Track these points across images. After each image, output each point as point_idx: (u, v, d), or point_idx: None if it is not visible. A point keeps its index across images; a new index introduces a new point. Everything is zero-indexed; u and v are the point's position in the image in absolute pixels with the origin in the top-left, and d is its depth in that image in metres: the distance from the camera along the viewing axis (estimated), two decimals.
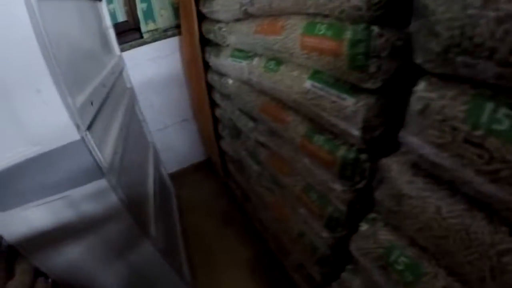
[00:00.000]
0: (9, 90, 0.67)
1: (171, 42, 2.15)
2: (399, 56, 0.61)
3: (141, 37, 2.11)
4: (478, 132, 0.39)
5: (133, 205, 0.98)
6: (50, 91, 0.69)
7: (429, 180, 0.50)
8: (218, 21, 1.42)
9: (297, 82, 0.85)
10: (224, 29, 1.36)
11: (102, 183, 0.84)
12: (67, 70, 0.78)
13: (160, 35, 2.12)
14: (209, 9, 1.45)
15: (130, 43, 2.04)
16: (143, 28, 2.09)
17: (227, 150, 1.91)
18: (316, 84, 0.79)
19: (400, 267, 0.56)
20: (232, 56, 1.31)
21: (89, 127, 0.82)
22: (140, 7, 2.05)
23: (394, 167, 0.55)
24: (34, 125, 0.71)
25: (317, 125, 0.86)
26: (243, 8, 1.08)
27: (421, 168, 0.52)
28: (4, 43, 0.64)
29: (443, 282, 0.50)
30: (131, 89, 1.73)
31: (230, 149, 1.82)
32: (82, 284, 1.03)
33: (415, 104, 0.47)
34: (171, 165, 2.43)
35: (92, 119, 0.87)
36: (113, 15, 2.02)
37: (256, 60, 1.11)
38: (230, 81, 1.45)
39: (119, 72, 1.51)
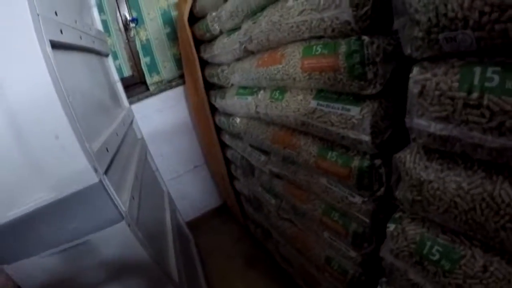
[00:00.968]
0: (28, 137, 0.69)
1: (176, 92, 2.24)
2: (392, 59, 0.65)
3: (147, 89, 2.20)
4: (474, 95, 0.42)
5: (153, 249, 0.97)
6: (68, 137, 0.71)
7: (444, 160, 0.51)
8: (220, 64, 1.49)
9: (303, 105, 0.89)
10: (226, 71, 1.43)
11: (122, 226, 0.83)
12: (83, 118, 0.81)
13: (165, 86, 2.21)
14: (210, 54, 1.53)
15: (137, 96, 2.13)
16: (149, 80, 2.18)
17: (242, 190, 1.92)
18: (321, 102, 0.82)
19: (435, 258, 0.56)
20: (238, 94, 1.36)
21: (106, 171, 0.83)
22: (143, 61, 2.17)
23: (408, 158, 0.56)
24: (52, 170, 0.72)
25: (328, 142, 0.88)
26: (243, 46, 1.15)
27: (434, 151, 0.53)
28: (23, 92, 0.68)
29: (481, 261, 0.49)
30: (142, 140, 1.77)
31: (245, 189, 1.83)
32: None
33: (413, 88, 0.50)
34: (187, 213, 2.42)
35: (108, 164, 0.89)
36: (119, 70, 2.11)
37: (261, 94, 1.16)
38: (238, 120, 1.49)
39: (129, 123, 1.56)
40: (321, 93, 0.83)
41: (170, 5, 2.18)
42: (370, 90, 0.67)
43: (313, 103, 0.84)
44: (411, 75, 0.51)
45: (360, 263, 0.92)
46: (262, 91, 1.15)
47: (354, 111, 0.71)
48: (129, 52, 2.21)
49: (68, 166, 0.73)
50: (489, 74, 0.40)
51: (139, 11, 2.14)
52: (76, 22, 1.05)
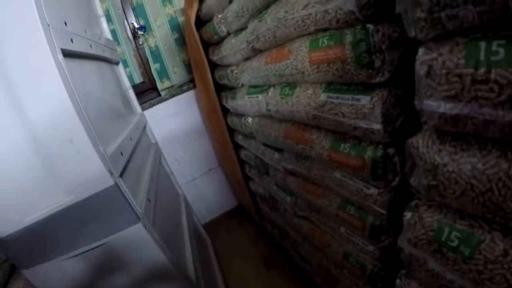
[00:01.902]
0: (43, 141, 0.71)
1: (187, 96, 2.26)
2: (398, 45, 0.65)
3: (159, 95, 2.23)
4: (482, 70, 0.41)
5: (171, 251, 0.98)
6: (82, 140, 0.72)
7: (457, 142, 0.50)
8: (229, 65, 1.50)
9: (313, 99, 0.89)
10: (236, 71, 1.44)
11: (138, 227, 0.84)
12: (96, 122, 0.82)
13: (176, 91, 2.24)
14: (218, 56, 1.54)
15: (149, 101, 2.16)
16: (159, 86, 2.22)
17: (258, 190, 1.92)
18: (331, 94, 0.81)
19: (454, 244, 0.54)
20: (248, 93, 1.37)
21: (121, 174, 0.84)
22: (153, 67, 2.21)
23: (421, 143, 0.55)
24: (68, 174, 0.74)
25: (340, 134, 0.87)
26: (250, 45, 1.15)
27: (446, 133, 0.52)
28: (38, 98, 0.70)
29: (502, 245, 0.48)
30: (156, 145, 1.80)
31: (261, 189, 1.83)
32: None
33: (420, 70, 0.50)
34: (203, 215, 2.44)
35: (123, 168, 0.90)
36: (130, 77, 2.15)
37: (271, 91, 1.16)
38: (250, 119, 1.50)
39: (142, 129, 1.59)
40: (330, 86, 0.83)
41: (176, 11, 2.22)
42: (379, 78, 0.66)
43: (323, 96, 0.83)
44: (417, 56, 0.50)
45: (378, 257, 0.90)
46: (272, 89, 1.15)
47: (364, 100, 0.71)
48: (139, 59, 2.25)
49: (84, 170, 0.74)
50: (494, 48, 0.39)
51: (146, 19, 2.19)
52: (85, 32, 1.08)
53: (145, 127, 1.73)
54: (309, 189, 1.18)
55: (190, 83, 2.26)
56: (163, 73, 2.24)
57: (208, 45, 1.77)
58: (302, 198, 1.28)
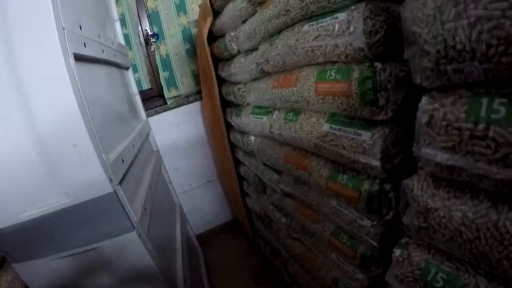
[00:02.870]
0: (47, 142, 0.72)
1: (193, 107, 2.29)
2: (404, 85, 0.67)
3: (165, 103, 2.26)
4: (481, 126, 0.43)
5: (161, 261, 0.99)
6: (86, 146, 0.74)
7: (450, 189, 0.52)
8: (237, 83, 1.53)
9: (316, 128, 0.91)
10: (243, 90, 1.46)
11: (132, 236, 0.86)
12: (101, 129, 0.84)
13: (183, 100, 2.27)
14: (227, 72, 1.57)
15: (155, 108, 2.19)
16: (167, 94, 2.24)
17: (254, 207, 1.93)
18: (334, 126, 0.83)
19: (439, 285, 0.56)
20: (253, 113, 1.39)
21: (120, 182, 0.86)
22: (162, 75, 2.23)
23: (416, 185, 0.57)
24: (69, 177, 0.75)
25: (339, 165, 0.89)
26: (259, 67, 1.18)
27: (441, 179, 0.54)
28: (46, 100, 0.71)
29: None
30: (157, 152, 1.81)
31: (257, 206, 1.84)
32: None
33: (421, 118, 0.51)
34: (198, 226, 2.44)
35: (123, 175, 0.91)
36: (138, 83, 2.17)
37: (276, 114, 1.18)
38: (253, 138, 1.52)
39: (145, 136, 1.60)
40: (334, 117, 0.85)
41: (190, 22, 2.25)
42: (382, 116, 0.68)
43: (326, 127, 0.85)
44: (420, 104, 0.52)
45: (366, 286, 0.91)
46: (277, 112, 1.17)
47: (366, 136, 0.73)
48: (149, 66, 2.28)
49: (85, 174, 0.76)
50: (495, 105, 0.41)
51: (160, 27, 2.22)
52: (99, 36, 1.10)
53: (148, 134, 1.75)
54: (304, 213, 1.19)
55: (197, 95, 2.28)
56: (171, 82, 2.26)
57: (218, 60, 1.81)
58: (297, 220, 1.29)
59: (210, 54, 1.75)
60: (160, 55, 2.23)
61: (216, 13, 1.65)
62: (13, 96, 0.70)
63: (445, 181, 0.53)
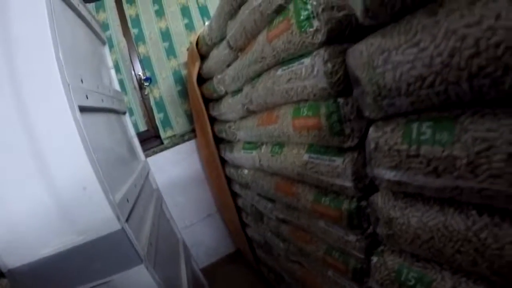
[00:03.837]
0: (60, 188, 0.81)
1: (188, 145, 2.40)
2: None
3: (162, 143, 2.37)
4: (414, 147, 0.53)
5: None
6: (94, 188, 0.82)
7: (407, 199, 0.62)
8: (227, 121, 1.65)
9: (298, 158, 1.01)
10: (233, 127, 1.58)
11: (141, 268, 0.92)
12: (106, 172, 0.92)
13: (178, 139, 2.38)
14: (218, 112, 1.70)
15: (152, 149, 2.29)
16: (163, 135, 2.35)
17: (254, 236, 2.00)
18: (312, 155, 0.94)
19: (411, 283, 0.64)
20: (244, 148, 1.51)
21: (127, 220, 0.93)
22: (157, 117, 2.35)
23: (380, 200, 0.67)
24: (80, 217, 0.82)
25: (321, 188, 0.99)
26: (245, 107, 1.30)
27: (398, 192, 0.64)
28: (57, 149, 0.80)
29: (450, 283, 0.57)
30: (158, 190, 1.89)
31: (257, 234, 1.91)
32: None
33: (369, 145, 0.63)
34: (201, 260, 2.48)
35: (129, 213, 0.99)
36: (135, 125, 2.28)
37: (263, 148, 1.29)
38: (246, 171, 1.62)
39: (146, 175, 1.68)
40: (311, 147, 0.96)
41: (180, 65, 2.40)
42: (349, 143, 0.79)
43: (306, 156, 0.96)
44: (368, 133, 0.63)
45: None
46: (264, 146, 1.29)
47: (338, 161, 0.83)
48: (144, 108, 2.40)
49: (95, 214, 0.83)
50: (423, 129, 0.52)
51: (152, 71, 2.36)
52: (98, 86, 1.20)
53: (148, 173, 1.84)
54: (299, 236, 1.28)
55: (192, 133, 2.40)
56: (166, 122, 2.38)
57: (209, 100, 1.93)
58: (294, 244, 1.37)
59: (200, 95, 1.88)
60: (154, 98, 2.36)
61: (203, 57, 1.80)
62: (27, 148, 0.79)
63: (402, 193, 0.64)
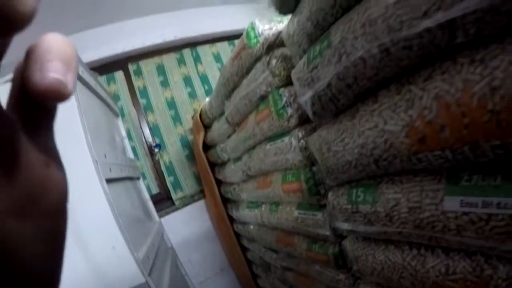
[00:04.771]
0: (92, 248, 0.96)
1: (198, 205, 2.56)
2: None
3: (173, 204, 2.53)
4: (354, 206, 0.75)
5: None
6: (122, 248, 0.99)
7: (364, 241, 0.82)
8: (232, 183, 1.89)
9: (290, 214, 1.23)
10: (237, 189, 1.82)
11: None
12: (130, 233, 1.06)
13: (189, 200, 2.55)
14: (223, 175, 1.94)
15: (165, 210, 2.44)
16: (174, 196, 2.53)
17: (265, 286, 2.13)
18: (301, 211, 1.16)
19: None
20: (247, 207, 1.72)
21: (149, 274, 1.09)
22: (168, 180, 2.54)
23: (348, 243, 0.88)
24: (110, 273, 0.97)
25: (311, 238, 1.19)
26: (245, 173, 1.54)
27: (357, 237, 0.85)
28: (89, 216, 0.96)
29: None
30: (172, 249, 2.05)
31: (267, 284, 2.06)
32: None
33: (329, 205, 0.85)
34: None
35: (150, 269, 1.15)
36: (148, 188, 2.42)
37: (263, 207, 1.51)
38: (252, 227, 1.82)
39: (161, 235, 1.86)
40: (300, 205, 1.17)
41: (186, 131, 2.62)
42: (324, 201, 1.01)
43: (296, 213, 1.18)
44: (328, 197, 0.86)
45: None
46: (264, 205, 1.50)
47: (319, 215, 1.05)
48: (155, 172, 2.59)
49: (122, 270, 0.99)
50: (358, 193, 0.75)
51: (161, 137, 2.57)
52: (117, 158, 1.40)
53: (162, 233, 2.00)
54: (302, 281, 1.45)
55: (201, 193, 2.57)
56: (177, 185, 2.56)
57: (214, 164, 2.18)
58: None
59: (207, 160, 2.13)
60: (164, 162, 2.55)
61: (206, 126, 2.07)
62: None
63: (361, 237, 0.85)
